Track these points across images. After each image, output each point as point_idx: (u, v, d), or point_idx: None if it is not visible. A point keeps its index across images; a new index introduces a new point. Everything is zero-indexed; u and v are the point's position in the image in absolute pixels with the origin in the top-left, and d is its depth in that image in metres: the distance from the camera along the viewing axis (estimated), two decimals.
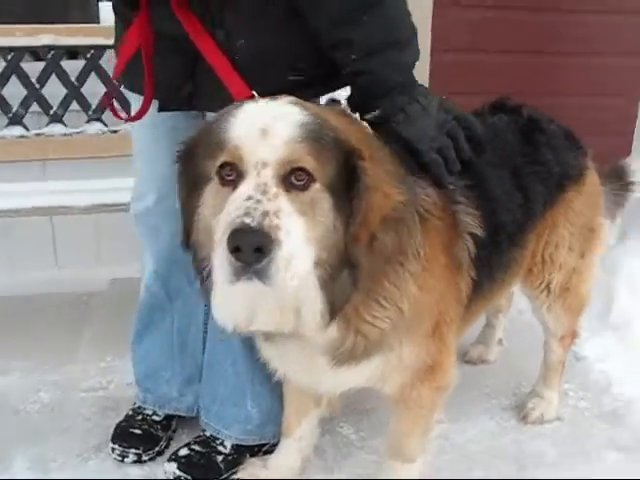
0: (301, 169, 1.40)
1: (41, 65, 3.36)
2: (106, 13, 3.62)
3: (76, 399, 2.75)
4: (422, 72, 3.14)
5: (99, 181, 3.35)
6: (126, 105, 3.44)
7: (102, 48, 3.37)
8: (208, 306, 2.33)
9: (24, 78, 3.33)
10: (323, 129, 1.45)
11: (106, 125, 3.43)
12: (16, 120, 3.33)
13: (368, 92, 1.80)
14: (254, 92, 1.75)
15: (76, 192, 3.22)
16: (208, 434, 2.38)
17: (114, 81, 3.38)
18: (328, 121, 1.48)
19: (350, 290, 1.55)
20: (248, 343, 2.15)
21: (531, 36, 3.93)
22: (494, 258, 2.04)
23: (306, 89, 1.79)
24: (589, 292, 2.51)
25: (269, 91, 1.65)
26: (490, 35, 3.95)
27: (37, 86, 3.35)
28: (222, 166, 1.44)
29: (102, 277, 3.67)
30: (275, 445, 2.35)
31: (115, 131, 3.43)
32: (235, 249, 1.30)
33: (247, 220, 1.29)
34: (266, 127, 1.40)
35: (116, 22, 2.18)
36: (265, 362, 2.00)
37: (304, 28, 1.80)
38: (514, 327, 3.12)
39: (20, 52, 3.32)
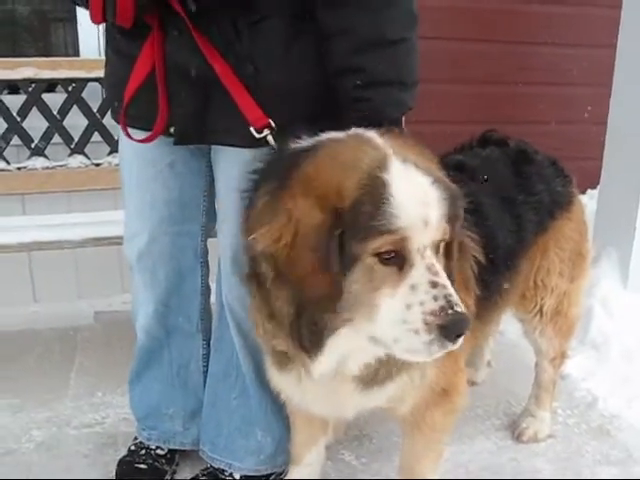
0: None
1: (21, 98, 3.34)
2: (86, 46, 3.61)
3: (71, 436, 2.69)
4: None
5: (81, 214, 3.34)
6: (110, 139, 3.46)
7: (83, 81, 3.38)
8: (207, 340, 2.38)
9: (5, 111, 3.31)
10: (451, 195, 1.57)
11: (89, 158, 3.42)
12: None
13: (363, 120, 1.78)
14: (270, 121, 1.83)
15: (57, 226, 3.18)
16: (216, 466, 2.36)
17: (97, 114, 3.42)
18: (444, 180, 1.59)
19: None
20: (259, 375, 2.18)
21: (498, 67, 4.12)
22: (492, 281, 2.11)
23: (320, 120, 1.81)
24: (579, 315, 2.61)
25: (286, 120, 1.80)
26: (458, 66, 4.12)
27: (18, 119, 3.33)
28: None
29: (85, 310, 3.64)
30: (282, 473, 2.36)
31: (98, 164, 3.43)
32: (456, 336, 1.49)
33: (459, 309, 1.47)
34: (427, 218, 1.50)
35: (109, 56, 2.11)
36: (277, 392, 2.03)
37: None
38: (497, 348, 3.22)
39: (0, 85, 3.31)
